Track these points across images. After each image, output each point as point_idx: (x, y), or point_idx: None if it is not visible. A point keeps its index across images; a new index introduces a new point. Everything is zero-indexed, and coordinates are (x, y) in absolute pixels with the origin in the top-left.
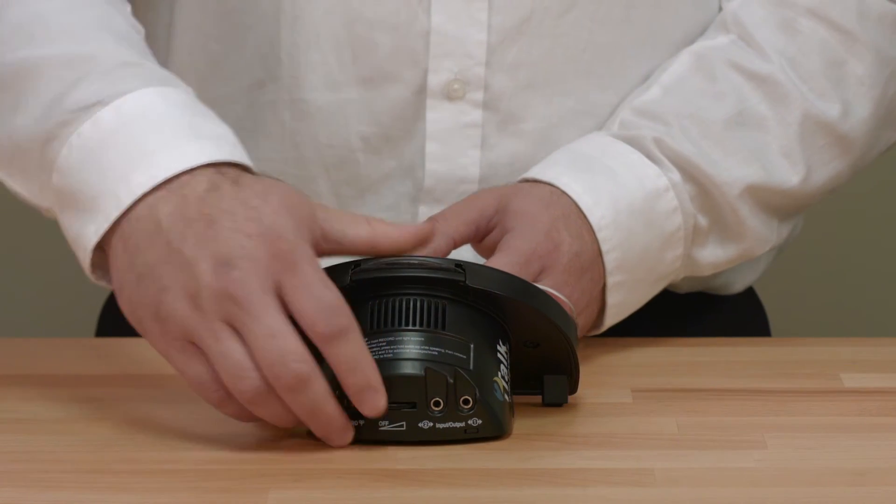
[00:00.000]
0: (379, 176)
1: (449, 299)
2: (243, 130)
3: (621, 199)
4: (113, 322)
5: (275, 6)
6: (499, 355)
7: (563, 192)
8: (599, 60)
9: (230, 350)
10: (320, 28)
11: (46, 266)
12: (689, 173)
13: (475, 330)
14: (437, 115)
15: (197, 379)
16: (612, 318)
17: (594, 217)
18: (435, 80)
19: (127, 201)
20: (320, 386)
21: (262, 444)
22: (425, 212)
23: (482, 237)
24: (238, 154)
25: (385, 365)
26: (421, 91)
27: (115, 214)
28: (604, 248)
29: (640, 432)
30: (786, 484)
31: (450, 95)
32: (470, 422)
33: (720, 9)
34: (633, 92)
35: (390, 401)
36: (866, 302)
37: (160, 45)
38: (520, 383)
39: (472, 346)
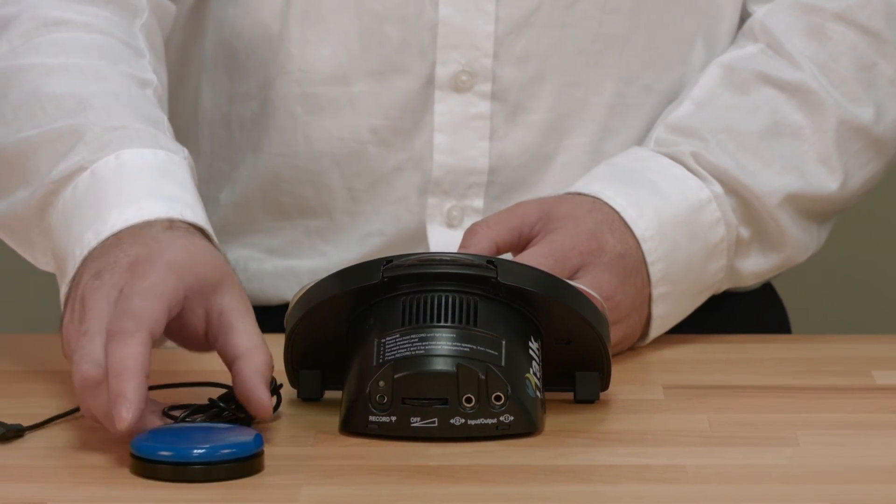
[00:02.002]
0: (389, 168)
1: (481, 296)
2: (258, 127)
3: (665, 211)
4: None
5: (285, 2)
6: (531, 352)
7: (606, 203)
8: (609, 51)
9: (78, 348)
10: (330, 21)
11: None
12: (730, 185)
13: (507, 326)
14: (445, 107)
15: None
16: (657, 329)
17: (638, 229)
18: (443, 71)
19: (79, 261)
20: (104, 393)
21: (295, 440)
22: (434, 204)
23: (524, 244)
24: (193, 215)
25: (417, 361)
26: (429, 83)
27: (71, 274)
28: (649, 259)
29: (672, 429)
30: (817, 481)
31: (457, 87)
32: (502, 418)
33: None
34: (665, 109)
35: (423, 397)
36: (888, 298)
37: (190, 40)
38: (552, 380)
39: (503, 342)
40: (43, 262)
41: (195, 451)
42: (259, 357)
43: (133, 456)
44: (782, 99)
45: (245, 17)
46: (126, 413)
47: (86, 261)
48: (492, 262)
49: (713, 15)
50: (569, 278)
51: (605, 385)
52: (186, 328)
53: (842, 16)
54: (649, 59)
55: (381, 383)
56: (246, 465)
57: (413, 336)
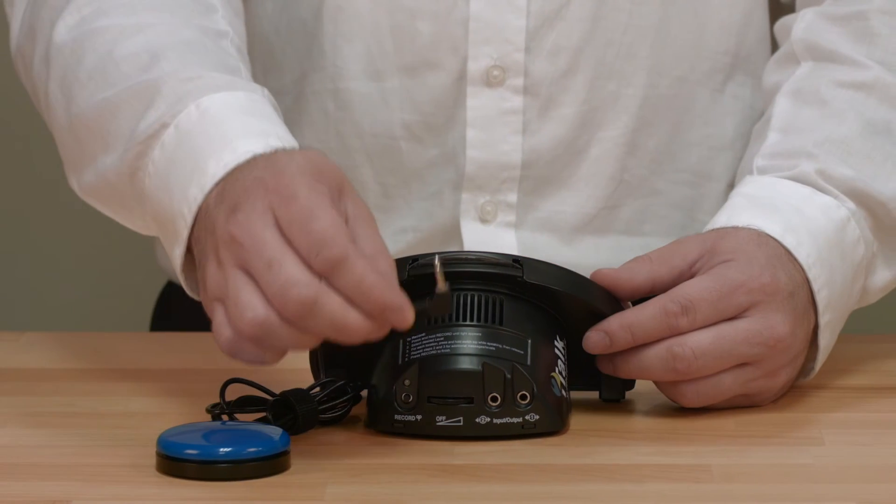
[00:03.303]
0: (422, 164)
1: (507, 294)
2: (290, 122)
3: (818, 234)
4: (166, 317)
5: None
6: (556, 351)
7: (768, 235)
8: (641, 42)
9: (237, 291)
10: (362, 17)
11: (100, 261)
12: (858, 198)
13: (533, 325)
14: (478, 102)
15: (215, 331)
16: (821, 361)
17: (801, 256)
18: (475, 66)
19: (190, 219)
20: (331, 303)
21: (320, 438)
22: (468, 199)
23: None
24: (290, 144)
25: (443, 360)
26: (461, 78)
27: (185, 234)
28: (814, 286)
29: (698, 428)
30: (843, 480)
31: (489, 82)
32: (527, 417)
33: None
34: (748, 150)
35: (448, 396)
36: None
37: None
38: (577, 379)
39: (529, 341)
40: (141, 227)
41: (221, 449)
42: (382, 262)
43: (159, 454)
44: (861, 98)
45: (282, 13)
46: (409, 316)
47: (200, 216)
48: (517, 261)
49: (747, 4)
50: (734, 317)
51: (630, 384)
52: None
53: (884, 10)
54: (681, 50)
55: (407, 382)
56: (272, 463)
57: (439, 335)
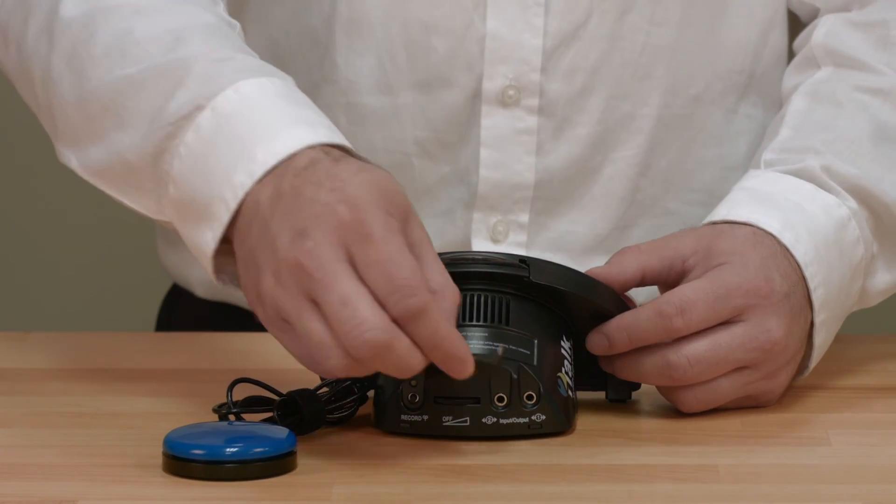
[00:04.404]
0: (434, 181)
1: (513, 294)
2: None
3: (817, 232)
4: (172, 317)
5: (331, 8)
6: (563, 351)
7: (766, 232)
8: (657, 63)
9: (311, 329)
10: (375, 31)
11: (105, 264)
12: (861, 197)
13: (539, 325)
14: (492, 122)
15: (300, 357)
16: (815, 359)
17: (798, 254)
18: (490, 86)
19: (234, 204)
20: (401, 348)
21: (327, 438)
22: (479, 218)
23: (675, 277)
24: (338, 137)
25: None
26: (476, 96)
27: (226, 218)
28: (811, 285)
29: (704, 428)
30: (850, 481)
31: (504, 102)
32: (533, 417)
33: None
34: (760, 146)
35: (455, 396)
36: None
37: None
38: (584, 379)
39: (535, 341)
40: (153, 210)
41: (228, 449)
42: (449, 294)
43: (166, 454)
44: (877, 103)
45: (292, 20)
46: (470, 368)
47: (248, 204)
48: (524, 261)
49: (766, 23)
50: (729, 319)
51: (636, 384)
52: None
53: None
54: (697, 69)
55: (413, 382)
56: (278, 463)
57: None
